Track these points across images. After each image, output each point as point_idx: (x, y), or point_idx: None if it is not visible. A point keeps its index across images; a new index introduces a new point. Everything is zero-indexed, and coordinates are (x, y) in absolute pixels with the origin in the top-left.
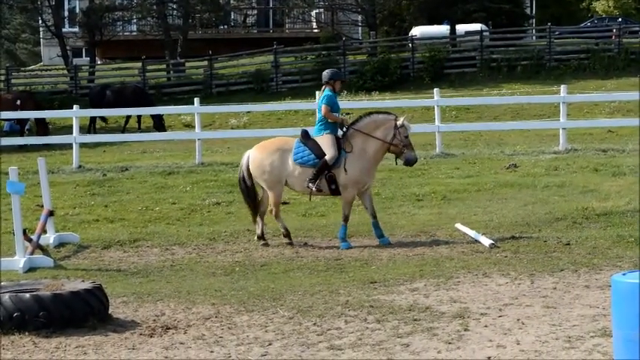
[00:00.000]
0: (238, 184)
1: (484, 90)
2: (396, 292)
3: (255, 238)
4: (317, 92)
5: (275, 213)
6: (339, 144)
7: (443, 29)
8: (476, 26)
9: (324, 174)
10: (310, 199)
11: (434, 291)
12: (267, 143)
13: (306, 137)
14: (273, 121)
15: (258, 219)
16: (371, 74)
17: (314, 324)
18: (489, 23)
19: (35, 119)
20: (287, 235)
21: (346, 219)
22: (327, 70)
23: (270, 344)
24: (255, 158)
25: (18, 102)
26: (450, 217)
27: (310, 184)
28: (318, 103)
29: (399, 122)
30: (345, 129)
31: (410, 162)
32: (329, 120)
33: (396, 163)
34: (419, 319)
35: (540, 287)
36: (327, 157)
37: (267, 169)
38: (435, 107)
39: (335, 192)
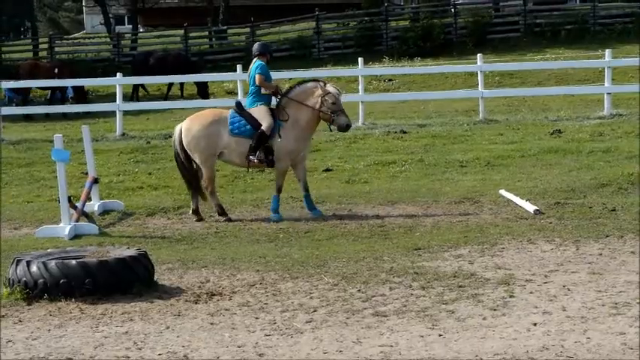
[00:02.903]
0: (174, 159)
1: (527, 55)
2: (441, 258)
3: (190, 212)
4: (359, 58)
5: (210, 190)
6: (274, 114)
7: None
8: None
9: (263, 144)
10: (248, 171)
11: (478, 257)
12: (200, 115)
13: (240, 108)
14: None
15: (195, 193)
16: (413, 40)
17: (358, 290)
18: None
19: (73, 87)
20: (222, 212)
21: (279, 190)
22: (257, 44)
23: (315, 311)
24: (188, 130)
25: (56, 70)
26: (493, 183)
27: (252, 157)
28: (250, 74)
29: (325, 89)
30: (278, 98)
31: (342, 128)
32: (263, 89)
33: (330, 130)
34: (464, 285)
35: (586, 253)
36: (263, 127)
37: (201, 141)
38: (478, 73)
39: (272, 163)
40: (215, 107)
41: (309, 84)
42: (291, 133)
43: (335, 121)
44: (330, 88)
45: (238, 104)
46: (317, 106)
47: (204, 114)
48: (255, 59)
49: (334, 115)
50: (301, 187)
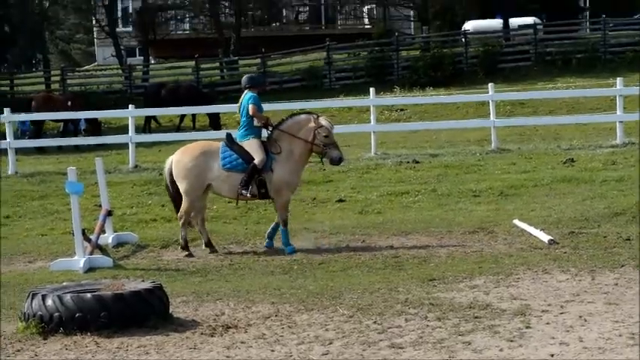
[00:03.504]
0: (166, 190)
1: (539, 84)
2: (456, 289)
3: (203, 246)
4: (371, 88)
5: (183, 220)
6: (266, 147)
7: (496, 23)
8: (529, 20)
9: (255, 178)
10: (237, 204)
11: (494, 288)
12: (190, 147)
13: (231, 141)
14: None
15: (202, 228)
16: (424, 70)
17: (374, 322)
18: (543, 16)
19: (86, 119)
20: (185, 247)
21: (285, 223)
22: (246, 76)
23: (330, 343)
24: (178, 162)
25: (69, 103)
26: (507, 213)
27: (244, 191)
28: (241, 105)
29: (318, 122)
30: (270, 130)
31: (334, 161)
32: (255, 121)
33: (322, 163)
34: (480, 316)
35: (601, 283)
36: (256, 161)
37: (190, 172)
38: (490, 102)
39: (264, 196)
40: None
41: (302, 116)
42: (286, 166)
43: (327, 154)
44: (323, 121)
45: (229, 137)
46: (310, 139)
47: (194, 146)
48: (246, 91)
49: (327, 149)
50: (279, 218)
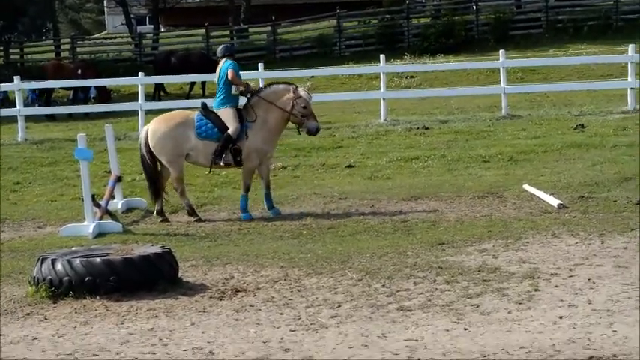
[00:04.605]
0: (140, 161)
1: (550, 51)
2: (465, 252)
3: (154, 214)
4: (381, 56)
5: (180, 190)
6: (241, 116)
7: None
8: None
9: (230, 147)
10: (210, 172)
11: (503, 252)
12: (166, 116)
13: (206, 110)
14: (337, 85)
15: (159, 195)
16: (435, 37)
17: (383, 285)
18: None
19: (96, 87)
20: (192, 213)
21: (247, 189)
22: (222, 46)
23: (339, 306)
24: (154, 132)
25: (79, 71)
26: (517, 178)
27: (217, 160)
28: (220, 72)
29: (297, 92)
30: (248, 96)
31: (311, 131)
32: (233, 88)
33: (299, 134)
34: (488, 279)
35: (611, 247)
36: (230, 131)
37: (167, 143)
38: (501, 69)
39: (239, 164)
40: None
41: (281, 86)
42: (259, 134)
43: (305, 125)
44: (301, 91)
45: (204, 105)
46: (288, 108)
47: (171, 115)
48: (224, 59)
49: (304, 119)
50: (263, 186)
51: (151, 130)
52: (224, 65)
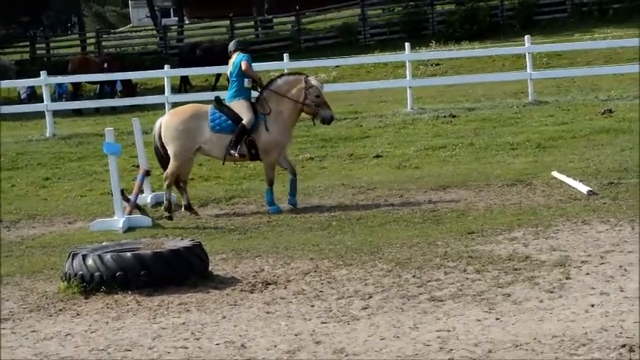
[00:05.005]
0: (155, 154)
1: (575, 35)
2: (495, 241)
3: (182, 210)
4: (406, 44)
5: (168, 182)
6: (255, 108)
7: None
8: None
9: (244, 139)
10: (224, 164)
11: (533, 240)
12: (180, 110)
13: (220, 104)
14: (363, 74)
15: (183, 191)
16: (459, 23)
17: (413, 276)
18: None
19: (122, 81)
20: (168, 208)
21: (271, 183)
22: (234, 41)
23: (370, 297)
24: (168, 124)
25: (105, 65)
26: (545, 165)
27: (232, 151)
28: (233, 65)
29: (308, 82)
30: (259, 90)
31: (326, 120)
32: (245, 82)
33: (314, 124)
34: (519, 268)
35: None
36: (244, 122)
37: (181, 135)
38: (526, 55)
39: (254, 157)
40: None
41: (292, 77)
42: (275, 126)
43: (319, 114)
44: (313, 81)
45: (217, 99)
46: (301, 99)
47: (184, 109)
48: (236, 53)
49: (319, 109)
50: (289, 172)
51: (165, 122)
52: (237, 58)
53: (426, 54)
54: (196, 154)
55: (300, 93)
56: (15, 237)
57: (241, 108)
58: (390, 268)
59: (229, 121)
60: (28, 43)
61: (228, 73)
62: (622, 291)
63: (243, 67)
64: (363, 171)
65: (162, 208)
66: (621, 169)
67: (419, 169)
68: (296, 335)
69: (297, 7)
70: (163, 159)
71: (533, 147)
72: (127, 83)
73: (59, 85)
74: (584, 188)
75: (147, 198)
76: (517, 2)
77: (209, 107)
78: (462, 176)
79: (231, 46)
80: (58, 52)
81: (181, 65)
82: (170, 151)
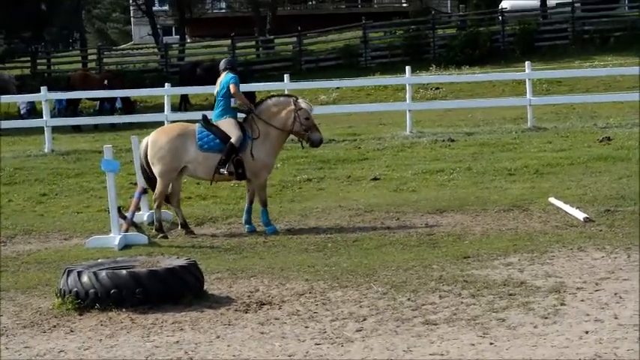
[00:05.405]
0: (142, 173)
1: (576, 62)
2: (490, 266)
3: (179, 228)
4: (407, 67)
5: (158, 203)
6: (242, 126)
7: (533, 1)
8: None
9: (233, 157)
10: (211, 184)
11: (528, 265)
12: (166, 128)
13: (207, 122)
14: (363, 96)
15: (177, 210)
16: (460, 48)
17: (408, 299)
18: None
19: (121, 98)
20: (159, 229)
21: (264, 204)
22: (224, 60)
23: (364, 319)
24: (154, 143)
25: (105, 82)
26: (543, 191)
27: (222, 169)
28: (220, 85)
29: (298, 105)
30: (247, 114)
31: (315, 143)
32: (232, 101)
33: (302, 147)
34: (514, 293)
35: (637, 261)
36: (232, 140)
37: (166, 154)
38: (527, 80)
39: (241, 176)
40: None
41: (282, 98)
42: (263, 148)
43: (309, 137)
44: (302, 103)
45: (205, 118)
46: (290, 122)
47: (171, 127)
48: (225, 72)
49: (308, 132)
50: (248, 199)
51: (151, 140)
52: (225, 78)
53: (426, 77)
54: (182, 175)
55: (289, 115)
56: (10, 252)
57: (229, 126)
58: (385, 291)
59: (217, 140)
60: (29, 58)
61: (215, 92)
62: (616, 318)
63: (232, 90)
64: (360, 193)
65: (154, 229)
66: (618, 196)
67: (416, 192)
68: (289, 356)
69: (299, 28)
70: (150, 179)
71: (530, 173)
72: (125, 100)
73: (59, 101)
74: (580, 215)
75: (144, 216)
76: (518, 28)
77: (196, 126)
78: (459, 200)
79: (222, 64)
80: (59, 67)
81: (182, 84)
82: (155, 170)
